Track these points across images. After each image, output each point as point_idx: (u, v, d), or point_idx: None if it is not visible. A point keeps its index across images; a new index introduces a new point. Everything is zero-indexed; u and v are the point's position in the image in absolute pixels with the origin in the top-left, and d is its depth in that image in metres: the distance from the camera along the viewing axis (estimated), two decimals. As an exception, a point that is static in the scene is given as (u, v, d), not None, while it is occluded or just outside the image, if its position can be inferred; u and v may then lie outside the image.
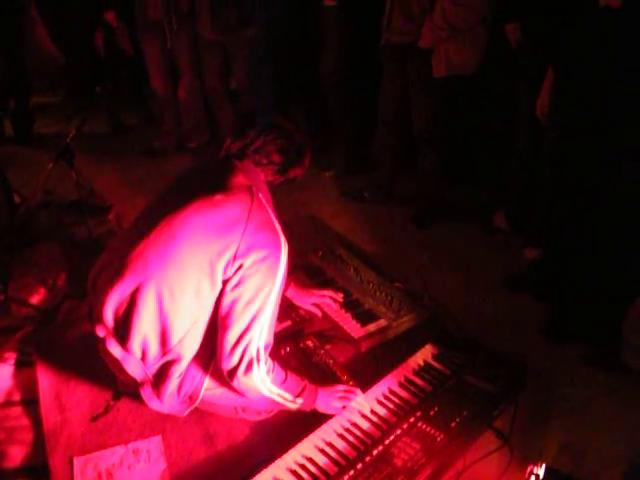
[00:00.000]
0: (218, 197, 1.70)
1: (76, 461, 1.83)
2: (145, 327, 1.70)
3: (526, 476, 1.71)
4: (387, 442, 1.80)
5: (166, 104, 4.40)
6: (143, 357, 1.75)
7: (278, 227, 1.74)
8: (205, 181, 1.79)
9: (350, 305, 2.47)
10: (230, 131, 4.27)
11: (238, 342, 1.65)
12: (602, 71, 2.19)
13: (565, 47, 2.46)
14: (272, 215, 1.76)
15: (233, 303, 1.65)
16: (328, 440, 1.82)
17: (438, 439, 1.81)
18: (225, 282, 1.66)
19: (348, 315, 2.40)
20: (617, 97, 2.20)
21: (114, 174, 4.09)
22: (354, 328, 2.33)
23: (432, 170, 3.37)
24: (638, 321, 2.23)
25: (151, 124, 4.79)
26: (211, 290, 1.67)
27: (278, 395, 1.76)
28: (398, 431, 1.84)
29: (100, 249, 2.68)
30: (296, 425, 1.91)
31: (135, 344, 1.72)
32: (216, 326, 1.71)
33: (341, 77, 3.77)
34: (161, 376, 1.76)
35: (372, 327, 2.34)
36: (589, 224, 2.45)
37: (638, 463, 1.38)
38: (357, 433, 1.86)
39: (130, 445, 1.90)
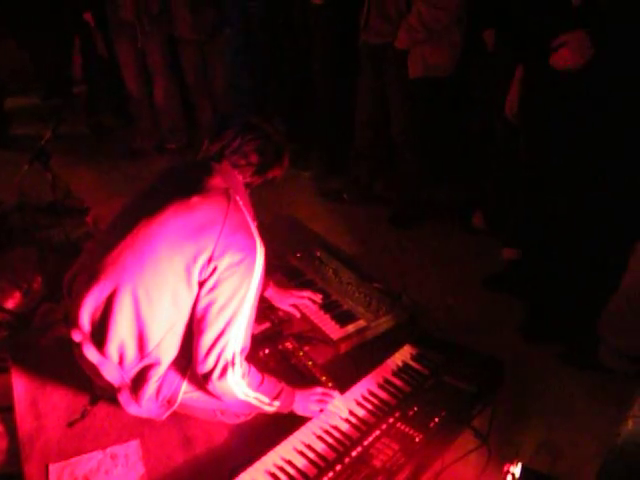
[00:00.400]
0: (194, 200, 1.69)
1: (52, 468, 1.80)
2: (122, 331, 1.68)
3: (503, 475, 1.72)
4: (366, 443, 1.81)
5: (141, 105, 4.37)
6: (120, 362, 1.73)
7: (254, 230, 1.73)
8: (182, 183, 1.78)
9: (329, 306, 2.46)
10: (209, 130, 4.31)
11: (213, 346, 1.64)
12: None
13: (535, 45, 2.48)
14: (249, 218, 1.75)
15: (208, 307, 1.65)
16: (307, 442, 1.82)
17: (417, 439, 1.82)
18: (201, 285, 1.65)
19: (327, 316, 2.40)
20: (585, 95, 2.22)
21: (92, 176, 4.06)
22: (333, 329, 2.33)
23: (410, 171, 3.38)
24: (614, 320, 2.26)
25: (130, 126, 4.75)
26: (188, 293, 1.66)
27: (255, 398, 1.76)
28: (377, 432, 1.85)
29: (77, 252, 2.66)
30: (275, 427, 1.90)
31: (112, 349, 1.70)
32: (192, 329, 1.71)
33: (328, 73, 3.78)
34: (139, 380, 1.74)
35: (351, 328, 2.34)
36: (564, 224, 2.48)
37: (611, 460, 1.40)
38: (336, 435, 1.86)
39: (108, 450, 1.88)
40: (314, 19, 3.67)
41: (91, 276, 1.69)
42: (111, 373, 1.75)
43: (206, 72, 4.23)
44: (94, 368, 1.75)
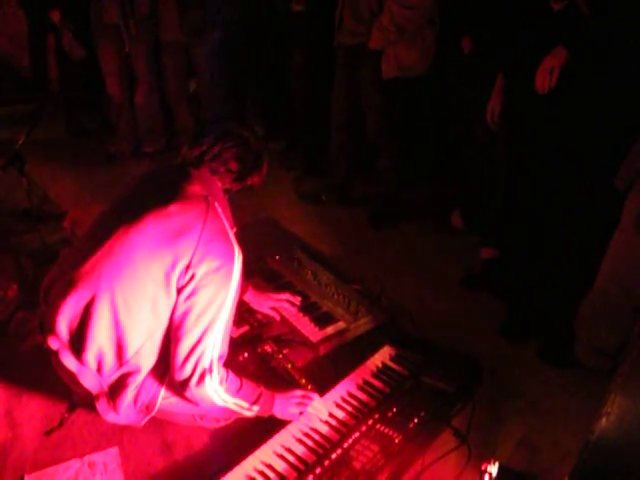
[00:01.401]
0: (173, 207, 1.68)
1: (28, 478, 1.78)
2: (100, 339, 1.67)
3: (480, 475, 1.73)
4: (346, 445, 1.81)
5: (121, 109, 4.32)
6: (99, 369, 1.72)
7: (233, 237, 1.74)
8: (161, 190, 1.77)
9: (308, 308, 2.47)
10: (188, 134, 4.29)
11: (190, 354, 1.64)
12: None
13: (514, 54, 2.51)
14: (227, 225, 1.75)
15: (185, 314, 1.64)
16: (287, 445, 1.82)
17: (396, 440, 1.83)
18: (179, 292, 1.65)
19: (306, 318, 2.40)
20: (563, 103, 2.26)
21: (69, 180, 4.01)
22: (312, 331, 2.33)
23: (388, 171, 3.39)
24: (590, 316, 2.29)
25: (107, 129, 4.70)
26: (167, 301, 1.65)
27: (234, 404, 1.75)
28: (357, 434, 1.86)
29: (53, 258, 2.63)
30: (255, 431, 1.90)
31: (90, 356, 1.69)
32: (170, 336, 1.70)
33: (307, 80, 3.79)
34: (117, 388, 1.73)
35: (330, 330, 2.34)
36: (541, 223, 2.51)
37: (585, 457, 1.42)
38: (316, 437, 1.86)
39: (86, 458, 1.86)
40: (293, 24, 3.68)
41: (69, 283, 1.68)
42: (89, 381, 1.73)
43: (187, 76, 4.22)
44: (72, 376, 1.74)
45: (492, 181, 3.01)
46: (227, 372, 1.74)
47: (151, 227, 1.66)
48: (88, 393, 1.75)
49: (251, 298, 2.41)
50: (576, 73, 2.19)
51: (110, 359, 1.70)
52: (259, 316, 2.40)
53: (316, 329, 2.35)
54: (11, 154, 2.83)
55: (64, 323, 1.69)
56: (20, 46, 5.24)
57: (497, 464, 1.74)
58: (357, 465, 1.74)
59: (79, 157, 4.43)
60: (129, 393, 1.72)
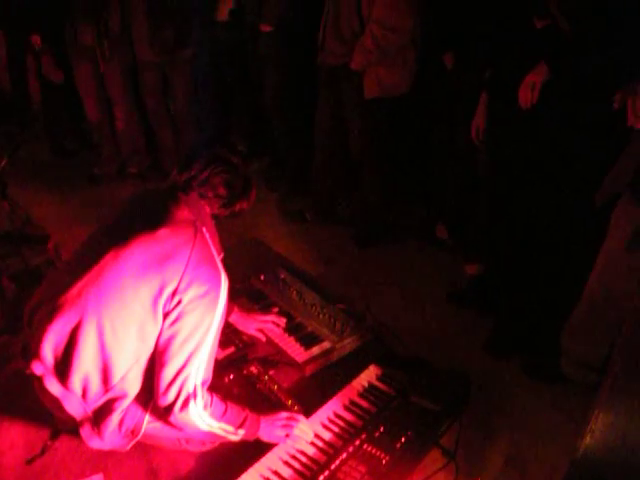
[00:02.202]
0: (162, 231, 1.68)
1: (10, 509, 1.75)
2: (86, 364, 1.65)
3: (468, 493, 1.73)
4: (333, 467, 1.80)
5: (102, 130, 4.32)
6: (84, 395, 1.70)
7: (219, 263, 1.74)
8: (149, 214, 1.76)
9: (293, 329, 2.45)
10: (171, 153, 4.28)
11: (175, 379, 1.62)
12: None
13: (498, 70, 2.55)
14: (214, 251, 1.75)
15: (170, 339, 1.64)
16: (274, 468, 1.81)
17: (384, 461, 1.82)
18: (165, 316, 1.64)
19: (291, 339, 2.39)
20: (545, 118, 2.29)
21: (53, 202, 4.00)
22: (298, 352, 2.32)
23: (371, 190, 3.41)
24: (576, 329, 2.30)
25: (91, 150, 4.70)
26: (154, 326, 1.64)
27: (219, 428, 1.74)
28: (344, 455, 1.84)
29: (37, 281, 2.61)
30: (242, 454, 1.87)
31: (76, 382, 1.67)
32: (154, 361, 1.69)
33: (282, 99, 3.80)
34: (102, 413, 1.70)
35: (316, 350, 2.33)
36: (525, 239, 2.53)
37: (571, 474, 1.42)
38: (303, 459, 1.84)
39: (69, 486, 1.83)
40: (265, 46, 3.71)
41: (54, 307, 1.66)
42: (74, 406, 1.71)
43: (166, 94, 4.22)
44: (56, 401, 1.71)
45: (473, 195, 3.04)
46: (211, 396, 1.73)
47: (139, 251, 1.65)
48: (72, 419, 1.73)
49: (236, 319, 2.39)
50: (558, 89, 2.23)
51: (96, 384, 1.68)
52: (245, 337, 2.38)
53: (302, 349, 2.33)
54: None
55: (49, 348, 1.67)
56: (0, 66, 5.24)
57: (484, 483, 1.74)
58: (345, 487, 1.73)
59: (63, 178, 4.42)
60: (114, 418, 1.70)
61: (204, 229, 1.76)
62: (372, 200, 3.46)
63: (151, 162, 4.51)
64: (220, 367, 2.14)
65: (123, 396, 1.69)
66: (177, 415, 1.64)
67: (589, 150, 2.21)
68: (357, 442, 1.89)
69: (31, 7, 3.94)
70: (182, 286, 1.62)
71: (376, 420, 1.99)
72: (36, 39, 3.97)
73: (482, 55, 2.71)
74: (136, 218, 1.77)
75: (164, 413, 1.67)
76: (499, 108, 2.53)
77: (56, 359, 1.68)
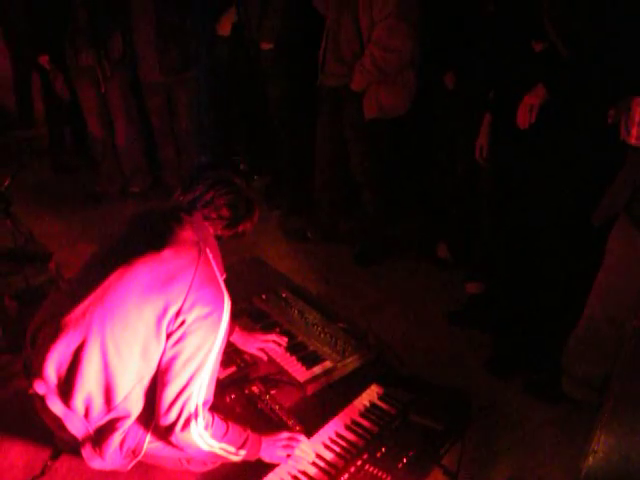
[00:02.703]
0: (166, 252, 1.69)
1: (10, 530, 1.74)
2: (89, 384, 1.65)
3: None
4: (334, 488, 1.80)
5: (104, 149, 4.35)
6: (86, 414, 1.70)
7: (223, 285, 1.75)
8: (153, 234, 1.77)
9: (295, 348, 2.45)
10: (173, 169, 4.31)
11: (176, 399, 1.62)
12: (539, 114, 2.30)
13: (499, 92, 2.58)
14: (217, 272, 1.77)
15: (173, 359, 1.64)
16: (275, 489, 1.80)
17: (386, 481, 1.81)
18: (168, 336, 1.65)
19: (293, 358, 2.39)
20: (545, 139, 2.31)
21: (55, 220, 4.00)
22: (299, 371, 2.32)
23: (373, 209, 3.43)
24: (577, 348, 2.30)
25: (93, 168, 4.73)
26: (157, 346, 1.65)
27: (220, 449, 1.73)
28: (346, 475, 1.84)
29: (39, 299, 2.60)
30: (243, 475, 1.87)
31: (78, 402, 1.67)
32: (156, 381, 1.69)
33: (283, 115, 3.84)
34: (104, 433, 1.70)
35: (317, 370, 2.33)
36: (527, 258, 2.53)
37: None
38: (304, 480, 1.84)
39: (70, 507, 1.83)
40: (265, 62, 3.74)
41: (58, 327, 1.66)
42: (76, 426, 1.70)
43: (170, 113, 4.26)
44: (58, 421, 1.71)
45: (474, 214, 3.05)
46: (213, 417, 1.72)
47: (144, 272, 1.66)
48: (73, 439, 1.72)
49: (238, 339, 2.40)
50: (556, 111, 2.25)
51: (99, 404, 1.68)
52: (246, 357, 2.38)
53: (303, 369, 2.33)
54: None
55: (52, 367, 1.67)
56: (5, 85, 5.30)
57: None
58: (346, 508, 1.73)
59: (65, 197, 4.43)
60: (116, 438, 1.69)
61: (208, 250, 1.78)
62: (373, 219, 3.47)
63: (153, 181, 4.53)
64: (222, 386, 2.15)
65: (126, 416, 1.69)
66: (178, 435, 1.64)
67: (592, 169, 2.22)
68: (359, 462, 1.89)
69: (37, 28, 4.00)
70: (186, 306, 1.63)
71: (378, 440, 1.99)
72: (44, 59, 4.02)
73: (482, 76, 2.74)
74: (140, 238, 1.78)
75: (165, 433, 1.66)
76: (502, 129, 2.55)
77: (59, 379, 1.68)
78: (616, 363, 1.43)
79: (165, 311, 1.62)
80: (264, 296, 2.82)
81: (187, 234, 1.77)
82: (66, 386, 1.67)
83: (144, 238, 1.76)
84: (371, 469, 1.86)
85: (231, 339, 2.35)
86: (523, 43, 2.36)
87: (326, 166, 3.51)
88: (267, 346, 2.43)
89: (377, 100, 3.06)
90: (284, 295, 2.83)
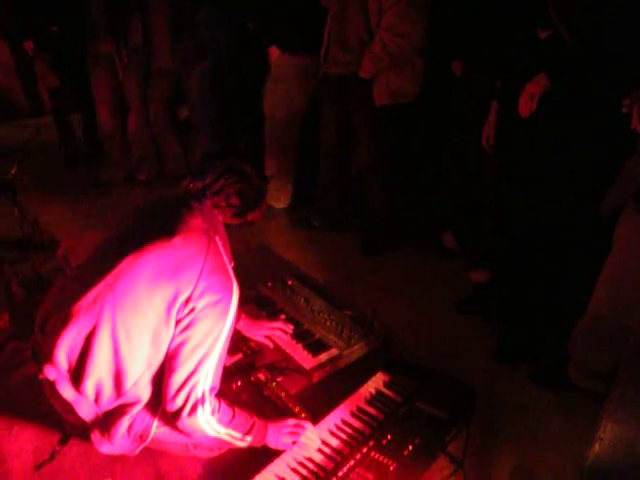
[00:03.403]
0: (177, 239, 1.70)
1: (19, 514, 1.76)
2: (100, 370, 1.67)
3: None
4: (340, 474, 1.80)
5: (113, 136, 4.37)
6: (97, 400, 1.72)
7: (231, 272, 1.76)
8: (163, 221, 1.78)
9: (301, 336, 2.46)
10: (177, 161, 4.32)
11: (184, 385, 1.64)
12: (542, 103, 2.29)
13: (505, 80, 2.56)
14: (226, 260, 1.78)
15: (181, 345, 1.65)
16: (281, 475, 1.81)
17: (391, 468, 1.82)
18: (176, 323, 1.66)
19: (299, 346, 2.40)
20: (557, 126, 2.29)
21: (62, 208, 4.02)
22: (305, 359, 2.33)
23: (379, 198, 3.41)
24: (584, 336, 2.29)
25: (100, 156, 4.73)
26: (167, 332, 1.66)
27: (226, 434, 1.74)
28: (351, 462, 1.85)
29: (46, 287, 2.62)
30: (250, 461, 1.88)
31: (89, 387, 1.69)
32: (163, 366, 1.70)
33: None
34: (113, 417, 1.72)
35: (323, 357, 2.34)
36: (533, 246, 2.52)
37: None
38: (310, 466, 1.85)
39: (77, 492, 1.84)
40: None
41: (69, 314, 1.68)
42: (86, 411, 1.72)
43: (177, 102, 4.27)
44: (67, 405, 1.73)
45: (481, 202, 3.04)
46: (219, 402, 1.74)
47: (154, 259, 1.67)
48: (82, 423, 1.74)
49: (244, 326, 2.41)
50: (559, 99, 2.24)
51: (109, 390, 1.70)
52: (252, 344, 2.39)
53: (309, 356, 2.34)
54: (2, 184, 2.83)
55: (63, 353, 1.69)
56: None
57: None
58: (352, 494, 1.73)
59: (72, 185, 4.46)
60: (124, 423, 1.71)
61: (217, 238, 1.79)
62: (379, 208, 3.46)
63: (159, 170, 4.54)
64: (228, 374, 2.15)
65: (135, 402, 1.71)
66: (185, 420, 1.65)
67: (597, 158, 2.21)
68: (365, 449, 1.89)
69: (21, 13, 4.03)
70: (196, 294, 1.64)
71: (383, 427, 2.00)
72: (28, 45, 4.03)
73: (490, 63, 2.72)
74: (150, 225, 1.79)
75: (172, 418, 1.68)
76: (509, 116, 2.54)
77: (70, 364, 1.70)
78: (624, 351, 1.43)
79: (175, 298, 1.63)
80: (270, 284, 2.83)
81: (197, 222, 1.78)
82: (77, 371, 1.69)
83: (154, 225, 1.78)
84: (377, 456, 1.87)
85: (237, 327, 2.36)
86: (528, 30, 2.34)
87: (331, 156, 3.51)
88: (273, 334, 2.44)
89: (387, 86, 3.05)
90: (290, 283, 2.84)
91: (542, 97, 2.25)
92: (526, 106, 2.29)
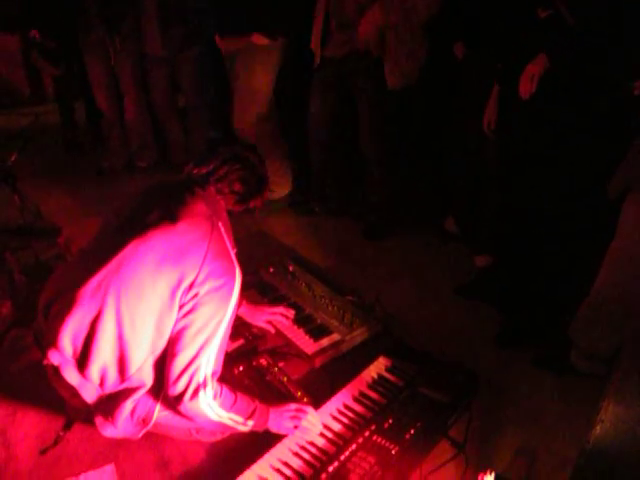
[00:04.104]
0: (181, 225, 1.71)
1: (23, 498, 1.77)
2: (104, 355, 1.68)
3: (477, 484, 1.73)
4: (342, 458, 1.81)
5: (112, 123, 4.36)
6: (101, 384, 1.73)
7: (234, 258, 1.77)
8: (167, 207, 1.78)
9: (302, 321, 2.47)
10: (179, 147, 4.30)
11: (185, 369, 1.65)
12: (543, 85, 2.27)
13: (506, 62, 2.54)
14: (229, 246, 1.79)
15: (183, 330, 1.66)
16: (284, 459, 1.82)
17: (393, 451, 1.83)
18: (179, 308, 1.67)
19: (301, 331, 2.40)
20: (557, 109, 2.28)
21: (62, 195, 4.01)
22: (307, 344, 2.33)
23: (381, 184, 3.40)
24: (587, 320, 2.29)
25: (101, 143, 4.72)
26: (170, 317, 1.67)
27: (228, 418, 1.75)
28: (353, 446, 1.86)
29: (48, 274, 2.61)
30: (251, 445, 1.89)
31: (94, 371, 1.70)
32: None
33: (287, 94, 3.79)
34: (116, 400, 1.72)
35: (325, 342, 2.35)
36: (535, 231, 2.52)
37: (581, 466, 1.42)
38: (312, 450, 1.86)
39: (82, 477, 1.85)
40: None
41: (73, 299, 1.68)
42: (90, 394, 1.73)
43: (174, 89, 4.24)
44: (72, 390, 1.73)
45: (483, 187, 3.03)
46: (221, 387, 1.74)
47: (158, 244, 1.68)
48: (86, 406, 1.75)
49: (245, 312, 2.41)
50: (559, 80, 2.22)
51: (113, 374, 1.71)
52: (254, 329, 2.40)
53: (311, 341, 2.35)
54: (2, 171, 2.83)
55: (68, 338, 1.69)
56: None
57: (494, 474, 1.74)
58: (354, 477, 1.74)
59: (72, 172, 4.45)
60: (127, 406, 1.72)
61: (220, 224, 1.79)
62: (381, 193, 3.44)
63: (159, 156, 4.53)
64: (230, 359, 2.16)
65: (139, 386, 1.72)
66: (187, 404, 1.66)
67: (600, 142, 2.19)
68: (366, 433, 1.90)
69: (29, 3, 4.00)
70: (199, 279, 1.65)
71: (385, 411, 2.00)
72: (35, 33, 4.02)
73: (490, 44, 2.70)
74: (154, 211, 1.79)
75: (174, 402, 1.69)
76: (510, 99, 2.52)
77: (75, 349, 1.71)
78: (625, 334, 1.43)
79: (179, 283, 1.64)
80: (272, 269, 2.83)
81: (200, 207, 1.79)
82: (82, 356, 1.70)
83: (158, 210, 1.78)
84: (379, 440, 1.88)
85: (239, 312, 2.36)
86: (529, 10, 2.31)
87: (324, 144, 3.49)
88: (275, 319, 2.44)
89: (399, 68, 2.99)
90: (291, 268, 2.84)
91: (542, 78, 2.23)
92: (526, 87, 2.27)
